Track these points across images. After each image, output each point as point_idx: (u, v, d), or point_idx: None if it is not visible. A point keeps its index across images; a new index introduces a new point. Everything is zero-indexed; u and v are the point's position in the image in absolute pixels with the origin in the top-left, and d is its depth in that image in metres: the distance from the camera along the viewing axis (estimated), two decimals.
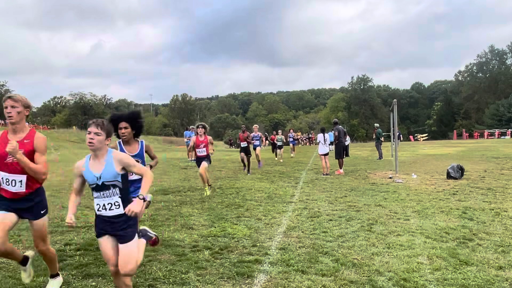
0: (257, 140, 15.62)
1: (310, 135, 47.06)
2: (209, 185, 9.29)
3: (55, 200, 8.38)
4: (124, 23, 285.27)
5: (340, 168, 13.64)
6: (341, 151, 13.71)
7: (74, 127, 75.14)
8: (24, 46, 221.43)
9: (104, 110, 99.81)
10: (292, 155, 22.91)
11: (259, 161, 15.64)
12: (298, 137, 42.91)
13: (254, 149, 15.45)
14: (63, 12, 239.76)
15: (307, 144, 46.11)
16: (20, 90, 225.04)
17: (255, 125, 16.18)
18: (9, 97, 3.34)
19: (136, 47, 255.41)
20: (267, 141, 28.31)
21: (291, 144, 24.51)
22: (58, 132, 63.44)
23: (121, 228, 3.10)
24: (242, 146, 13.90)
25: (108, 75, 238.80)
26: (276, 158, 20.69)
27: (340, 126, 14.10)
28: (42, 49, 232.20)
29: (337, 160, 13.82)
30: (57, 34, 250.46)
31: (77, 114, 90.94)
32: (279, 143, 20.37)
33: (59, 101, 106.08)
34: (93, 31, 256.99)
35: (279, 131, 21.89)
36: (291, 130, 26.21)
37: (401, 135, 33.93)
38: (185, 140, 21.71)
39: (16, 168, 3.30)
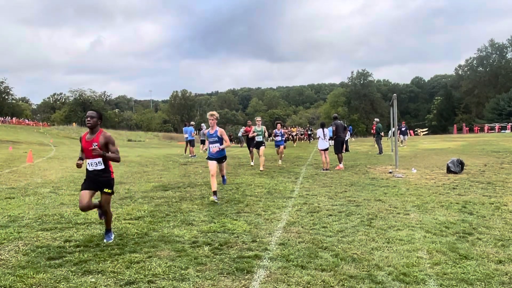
0: (215, 141, 8.07)
1: (310, 131, 39.18)
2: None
3: (55, 197, 8.37)
4: (123, 20, 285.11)
5: (340, 162, 13.62)
6: (339, 146, 13.69)
7: (74, 123, 75.13)
8: (23, 43, 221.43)
9: (103, 106, 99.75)
10: (279, 161, 15.49)
11: (223, 176, 8.72)
12: (294, 132, 35.11)
13: (222, 161, 8.33)
14: (63, 9, 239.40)
15: (303, 140, 39.54)
16: (20, 87, 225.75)
17: (210, 112, 8.07)
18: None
19: (135, 44, 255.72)
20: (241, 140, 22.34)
21: (277, 148, 15.66)
22: (58, 128, 63.47)
23: None
24: (88, 169, 5.21)
25: (108, 72, 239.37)
26: (251, 163, 14.87)
27: (339, 121, 14.08)
28: (42, 46, 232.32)
29: (336, 155, 13.80)
30: (57, 31, 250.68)
31: (77, 110, 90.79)
32: (258, 138, 13.37)
33: (58, 98, 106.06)
34: (93, 28, 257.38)
35: (258, 118, 13.81)
36: (278, 125, 15.82)
37: (407, 130, 29.24)
38: (185, 136, 21.76)
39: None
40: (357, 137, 45.31)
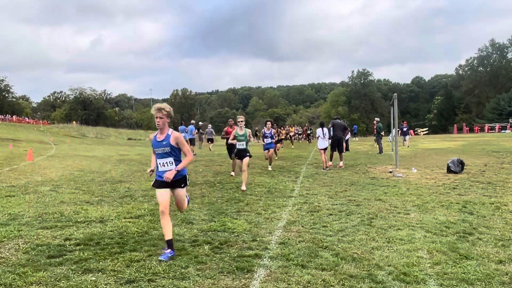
0: (166, 154, 4.69)
1: (309, 130, 34.97)
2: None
3: (56, 195, 8.37)
4: (124, 18, 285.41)
5: (330, 160, 13.72)
6: (334, 145, 13.76)
7: (74, 122, 75.17)
8: (24, 41, 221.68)
9: (104, 105, 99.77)
10: (269, 167, 13.18)
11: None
12: (292, 132, 30.38)
13: (181, 186, 4.80)
14: (64, 7, 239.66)
15: (302, 140, 36.34)
16: (20, 85, 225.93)
17: (157, 106, 4.66)
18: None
19: (136, 42, 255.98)
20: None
21: (266, 152, 13.39)
22: (58, 127, 63.46)
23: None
24: None
25: (108, 70, 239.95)
26: (232, 173, 11.53)
27: (337, 120, 14.24)
28: (42, 45, 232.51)
29: (332, 152, 13.90)
30: (57, 29, 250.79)
31: (77, 109, 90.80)
32: (240, 145, 9.42)
33: (59, 96, 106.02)
34: (93, 27, 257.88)
35: (240, 118, 9.63)
36: (268, 124, 13.80)
37: (409, 130, 27.43)
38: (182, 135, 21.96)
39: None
40: (358, 137, 44.74)
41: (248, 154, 9.34)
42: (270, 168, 13.11)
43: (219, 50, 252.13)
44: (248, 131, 9.59)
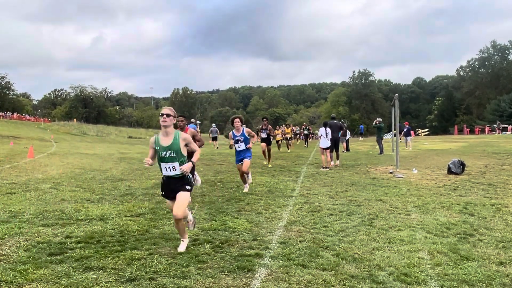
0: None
1: (307, 130, 30.10)
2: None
3: (56, 193, 8.37)
4: (125, 17, 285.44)
5: (331, 160, 13.85)
6: (331, 145, 13.86)
7: (74, 119, 75.24)
8: (25, 39, 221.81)
9: (104, 103, 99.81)
10: (245, 188, 8.82)
11: None
12: (289, 134, 25.75)
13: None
14: (65, 6, 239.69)
15: (299, 140, 32.32)
16: (21, 82, 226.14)
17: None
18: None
19: (137, 41, 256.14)
20: None
21: (239, 165, 8.69)
22: (58, 124, 63.50)
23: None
24: None
25: (109, 68, 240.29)
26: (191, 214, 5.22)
27: (332, 121, 14.57)
28: (44, 42, 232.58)
29: (331, 153, 14.01)
30: (59, 27, 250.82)
31: (78, 106, 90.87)
32: (168, 169, 4.58)
33: (59, 94, 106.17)
34: (95, 25, 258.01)
35: (165, 110, 4.60)
36: (236, 122, 8.55)
37: (410, 131, 24.92)
38: None
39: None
40: (364, 137, 43.41)
41: (187, 186, 4.74)
42: (245, 190, 8.75)
43: (220, 49, 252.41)
44: (185, 136, 4.75)
